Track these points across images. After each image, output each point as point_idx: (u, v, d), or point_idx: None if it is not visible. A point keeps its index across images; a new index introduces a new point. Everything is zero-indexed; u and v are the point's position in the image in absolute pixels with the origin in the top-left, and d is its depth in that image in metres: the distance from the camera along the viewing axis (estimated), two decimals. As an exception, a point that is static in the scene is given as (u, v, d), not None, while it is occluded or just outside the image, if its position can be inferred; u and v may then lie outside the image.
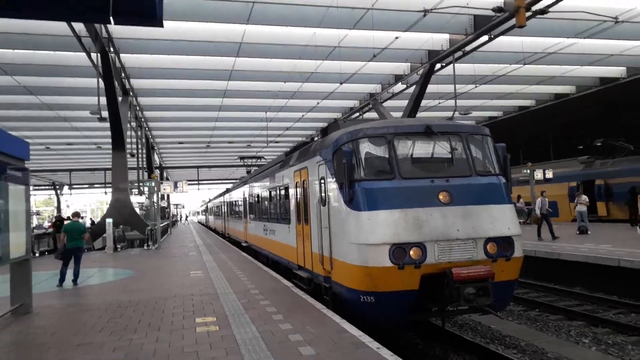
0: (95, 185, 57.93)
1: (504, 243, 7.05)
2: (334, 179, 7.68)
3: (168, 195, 41.89)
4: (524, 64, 19.09)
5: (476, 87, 22.72)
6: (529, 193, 25.00)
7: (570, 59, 19.88)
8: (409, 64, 20.73)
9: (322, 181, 8.40)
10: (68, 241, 11.03)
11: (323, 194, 8.31)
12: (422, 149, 7.67)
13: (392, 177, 7.14)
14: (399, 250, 6.60)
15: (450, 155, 7.55)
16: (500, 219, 7.12)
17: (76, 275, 11.15)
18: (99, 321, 7.20)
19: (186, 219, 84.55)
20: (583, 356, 7.61)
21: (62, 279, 10.95)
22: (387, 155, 7.35)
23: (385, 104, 25.09)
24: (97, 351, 5.63)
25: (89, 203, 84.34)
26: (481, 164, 7.73)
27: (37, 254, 18.96)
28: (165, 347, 5.68)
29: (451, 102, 20.53)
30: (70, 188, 56.96)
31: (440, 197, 6.99)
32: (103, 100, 18.57)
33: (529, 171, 25.28)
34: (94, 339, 6.20)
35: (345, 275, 7.30)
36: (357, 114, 27.69)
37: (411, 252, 6.62)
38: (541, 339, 8.56)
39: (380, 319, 7.00)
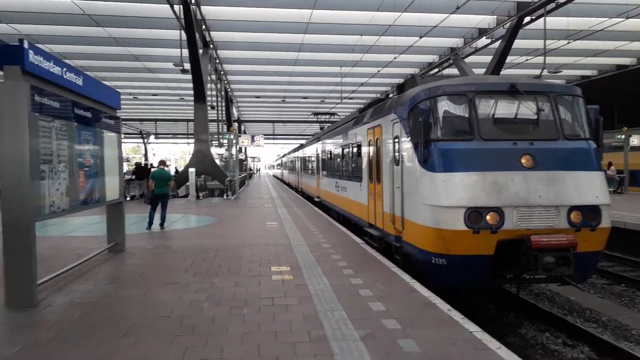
0: (179, 136, 61.12)
1: (590, 212, 6.64)
2: (409, 138, 7.53)
3: (245, 148, 43.37)
4: (627, 17, 17.14)
5: (569, 43, 20.81)
6: (622, 160, 23.09)
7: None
8: (495, 16, 19.38)
9: (397, 140, 8.27)
10: (155, 187, 11.85)
11: (397, 153, 8.20)
12: (505, 109, 7.26)
13: (471, 138, 6.86)
14: (475, 214, 6.43)
15: (536, 117, 7.10)
16: (588, 187, 6.67)
17: (163, 219, 12.03)
18: (183, 263, 7.78)
19: (258, 172, 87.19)
20: (671, 336, 7.14)
21: (150, 222, 11.86)
22: (467, 115, 7.04)
23: (467, 60, 23.82)
24: (182, 291, 6.12)
25: (173, 152, 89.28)
26: (570, 127, 7.22)
27: (127, 198, 20.57)
28: (243, 291, 6.05)
29: (540, 59, 19.07)
30: (156, 137, 60.53)
31: (523, 160, 6.65)
32: (185, 52, 19.27)
33: (623, 136, 23.23)
34: (180, 279, 6.74)
35: (417, 236, 7.27)
36: (436, 70, 26.57)
37: (488, 217, 6.43)
38: (625, 315, 8.12)
39: (452, 282, 6.95)
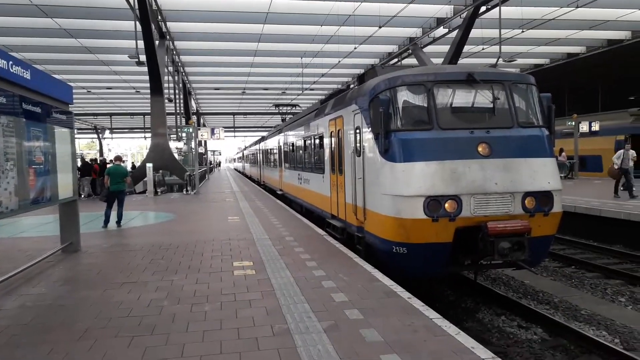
0: (135, 130, 59.41)
1: (543, 198, 6.87)
2: (370, 128, 7.56)
3: (205, 142, 42.63)
4: (577, 6, 17.78)
5: (523, 32, 21.45)
6: (572, 146, 24.08)
7: (626, 1, 18.38)
8: (452, 6, 19.73)
9: (358, 131, 8.30)
10: (111, 184, 11.46)
11: (358, 144, 8.23)
12: (462, 98, 7.38)
13: (430, 128, 6.95)
14: (433, 203, 6.54)
15: (492, 105, 7.25)
16: (541, 173, 6.89)
17: (120, 217, 11.67)
18: (142, 262, 7.58)
19: (218, 166, 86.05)
20: (618, 315, 7.52)
21: (106, 220, 11.48)
22: (425, 105, 7.12)
23: (425, 50, 24.17)
24: (141, 290, 5.95)
25: (130, 147, 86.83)
26: (524, 114, 7.43)
27: (82, 196, 19.85)
28: (205, 288, 5.95)
29: (495, 48, 19.52)
30: (112, 132, 58.63)
31: (480, 149, 6.79)
32: (141, 44, 18.66)
33: (573, 123, 24.20)
34: (138, 278, 6.55)
35: (379, 226, 7.34)
36: (396, 60, 26.84)
37: (446, 205, 6.55)
38: (575, 296, 8.50)
39: (412, 270, 7.06)
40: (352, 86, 15.36)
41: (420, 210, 6.53)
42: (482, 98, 7.30)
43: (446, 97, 7.27)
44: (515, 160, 6.86)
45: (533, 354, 6.15)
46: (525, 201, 6.78)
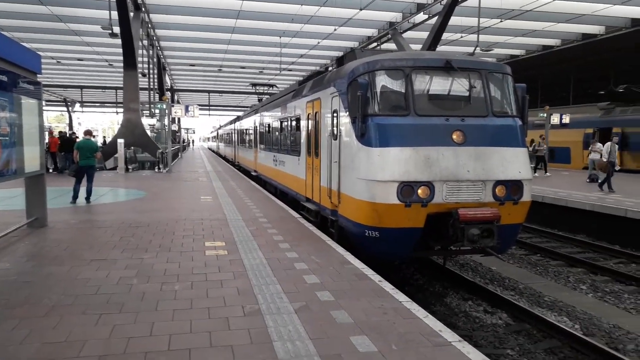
0: (107, 105, 57.81)
1: (514, 186, 7.02)
2: (347, 112, 7.54)
3: (179, 119, 41.81)
4: (555, -1, 18.05)
5: (501, 22, 21.65)
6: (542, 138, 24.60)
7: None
8: (433, -8, 19.71)
9: (335, 114, 8.26)
10: (80, 159, 11.15)
11: (335, 128, 8.20)
12: (439, 85, 7.40)
13: (406, 114, 6.98)
14: (407, 189, 6.61)
15: (467, 93, 7.30)
16: (512, 162, 7.02)
17: (89, 193, 11.39)
18: (111, 239, 7.44)
19: (192, 144, 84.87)
20: (579, 301, 7.83)
21: (75, 195, 11.20)
22: (403, 90, 7.14)
23: (404, 35, 24.13)
24: (110, 267, 5.86)
25: (101, 122, 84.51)
26: (499, 104, 7.52)
27: (50, 170, 19.28)
28: (175, 267, 5.89)
29: (473, 37, 19.74)
30: (82, 105, 56.91)
31: (454, 136, 6.87)
32: (115, 15, 18.02)
33: (545, 115, 24.72)
34: (107, 255, 6.44)
35: (352, 209, 7.38)
36: (375, 44, 26.74)
37: (419, 191, 6.63)
38: (539, 283, 8.79)
39: (384, 253, 7.16)
40: (330, 68, 15.25)
41: (393, 196, 6.59)
42: (459, 86, 7.34)
43: (424, 83, 7.29)
44: (488, 149, 6.96)
45: (497, 338, 6.35)
46: (496, 189, 6.91)
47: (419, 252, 7.22)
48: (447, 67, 7.24)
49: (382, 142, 6.83)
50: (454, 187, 6.73)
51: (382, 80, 7.28)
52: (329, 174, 8.51)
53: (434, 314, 5.75)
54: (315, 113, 9.64)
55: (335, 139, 8.12)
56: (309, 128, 10.20)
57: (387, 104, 7.24)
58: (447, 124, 6.93)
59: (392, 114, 7.04)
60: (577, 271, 9.66)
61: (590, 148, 18.25)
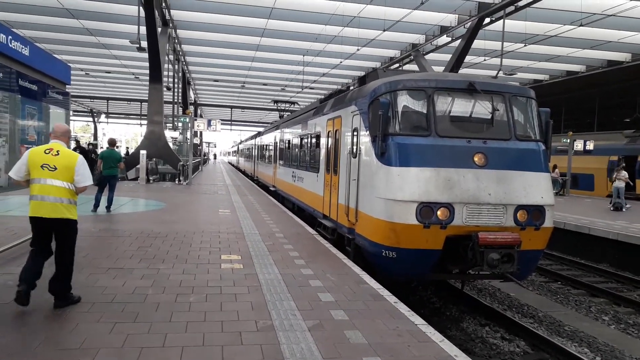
0: (131, 116, 59.03)
1: (535, 212, 6.88)
2: (368, 130, 7.54)
3: (201, 133, 42.43)
4: (580, 24, 17.91)
5: (525, 46, 21.58)
6: (566, 163, 24.23)
7: (628, 23, 18.54)
8: (457, 15, 19.75)
9: (355, 132, 8.27)
10: (103, 168, 11.36)
11: (355, 146, 8.21)
12: (462, 106, 7.38)
13: (427, 134, 6.94)
14: (426, 209, 6.54)
15: (490, 116, 7.25)
16: (535, 187, 6.90)
17: (110, 202, 11.56)
18: (129, 248, 7.51)
19: (215, 159, 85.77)
20: (600, 333, 7.57)
21: (96, 204, 11.37)
22: (424, 111, 7.11)
23: (427, 57, 24.21)
24: (127, 276, 5.90)
25: (125, 133, 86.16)
26: (522, 127, 7.43)
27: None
28: (191, 279, 5.90)
29: (496, 61, 19.65)
30: (108, 117, 58.22)
31: (476, 158, 6.79)
32: (143, 29, 18.52)
33: (569, 140, 24.35)
34: (124, 264, 6.49)
35: (370, 228, 7.32)
36: (397, 65, 26.88)
37: (438, 212, 6.55)
38: (560, 312, 8.54)
39: (401, 274, 7.06)
40: (352, 87, 15.35)
41: (412, 216, 6.52)
42: (482, 108, 7.30)
43: (446, 104, 7.26)
44: (510, 172, 6.86)
45: (514, 367, 6.17)
46: (518, 214, 6.78)
47: (437, 274, 7.09)
48: (470, 89, 7.20)
49: (402, 161, 6.79)
50: (474, 210, 6.63)
51: (404, 100, 7.27)
52: (347, 191, 8.49)
53: (450, 338, 5.61)
54: (336, 131, 9.67)
55: (355, 157, 8.11)
56: (329, 145, 10.23)
57: (408, 123, 7.22)
58: (469, 146, 6.86)
59: (413, 134, 7.01)
60: (599, 301, 9.37)
61: (614, 175, 17.85)
